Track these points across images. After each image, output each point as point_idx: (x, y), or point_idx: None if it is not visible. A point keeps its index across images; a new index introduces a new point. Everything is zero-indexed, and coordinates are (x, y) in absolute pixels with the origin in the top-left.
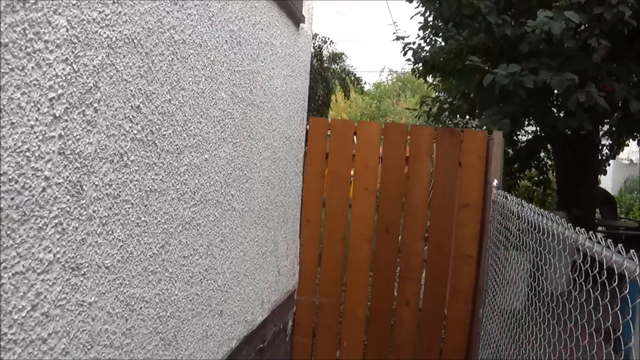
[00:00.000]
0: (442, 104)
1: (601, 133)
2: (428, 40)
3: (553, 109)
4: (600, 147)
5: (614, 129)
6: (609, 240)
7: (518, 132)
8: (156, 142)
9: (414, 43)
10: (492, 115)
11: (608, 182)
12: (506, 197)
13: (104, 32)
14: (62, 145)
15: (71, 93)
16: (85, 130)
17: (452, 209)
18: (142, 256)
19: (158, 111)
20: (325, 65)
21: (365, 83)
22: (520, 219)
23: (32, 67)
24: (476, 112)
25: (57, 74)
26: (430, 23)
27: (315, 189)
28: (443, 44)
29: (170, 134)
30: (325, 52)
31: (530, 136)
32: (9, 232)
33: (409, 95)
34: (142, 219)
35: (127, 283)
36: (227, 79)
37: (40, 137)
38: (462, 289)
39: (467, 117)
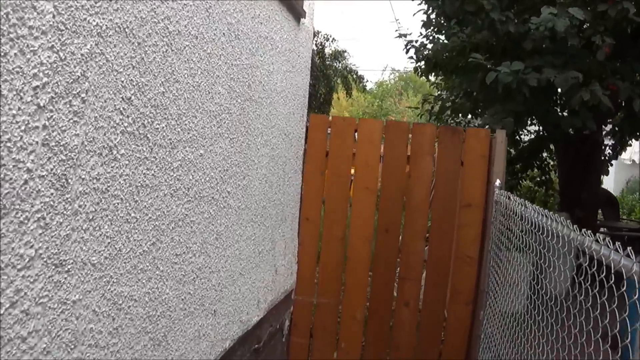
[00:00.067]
0: (445, 102)
1: (604, 133)
2: (431, 38)
3: (556, 108)
4: (602, 147)
5: (617, 128)
6: (618, 244)
7: (521, 132)
8: (148, 135)
9: (416, 41)
10: (495, 114)
11: (610, 182)
12: (509, 198)
13: (93, 20)
14: (47, 137)
15: (57, 82)
16: (71, 121)
17: (454, 209)
18: (132, 253)
19: (151, 104)
20: (327, 63)
21: (367, 81)
22: (523, 219)
23: (15, 54)
24: (479, 110)
25: (42, 61)
26: (433, 21)
27: (315, 187)
28: (446, 41)
29: (163, 127)
30: (327, 50)
31: (532, 136)
32: None
33: (411, 94)
34: (132, 215)
35: (115, 281)
36: (225, 72)
37: (23, 127)
38: (463, 291)
39: (470, 115)
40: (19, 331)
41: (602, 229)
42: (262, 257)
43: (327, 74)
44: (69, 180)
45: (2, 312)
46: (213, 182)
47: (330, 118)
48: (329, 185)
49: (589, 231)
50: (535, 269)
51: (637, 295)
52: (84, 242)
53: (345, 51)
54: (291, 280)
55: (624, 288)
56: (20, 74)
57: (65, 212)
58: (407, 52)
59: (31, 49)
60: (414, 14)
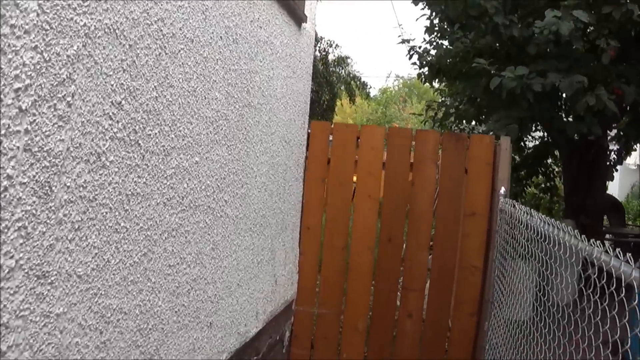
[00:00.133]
0: (448, 108)
1: (609, 138)
2: (434, 44)
3: (561, 113)
4: (607, 152)
5: (622, 133)
6: (628, 255)
7: (525, 138)
8: (140, 142)
9: (419, 47)
10: (499, 120)
11: (615, 188)
12: (514, 206)
13: (81, 20)
14: (29, 142)
15: (40, 84)
16: (56, 125)
17: (458, 217)
18: (121, 264)
19: (142, 109)
20: (331, 69)
21: (370, 88)
22: (529, 228)
23: None
24: (483, 116)
25: (25, 62)
26: (436, 26)
27: (317, 195)
28: (449, 47)
29: (156, 134)
30: (330, 57)
31: (537, 142)
32: None
33: (415, 101)
34: (122, 224)
35: (103, 293)
36: (222, 77)
37: (3, 132)
38: (467, 301)
39: (474, 122)
40: None
41: (607, 235)
42: (261, 267)
43: (330, 81)
44: (53, 188)
45: None
46: (209, 190)
47: (332, 125)
48: (331, 193)
49: (598, 241)
50: (540, 278)
51: (636, 301)
52: (69, 253)
53: (349, 57)
54: (292, 290)
55: (636, 302)
56: (1, 75)
57: (48, 221)
58: (410, 57)
59: (13, 48)
60: (417, 19)
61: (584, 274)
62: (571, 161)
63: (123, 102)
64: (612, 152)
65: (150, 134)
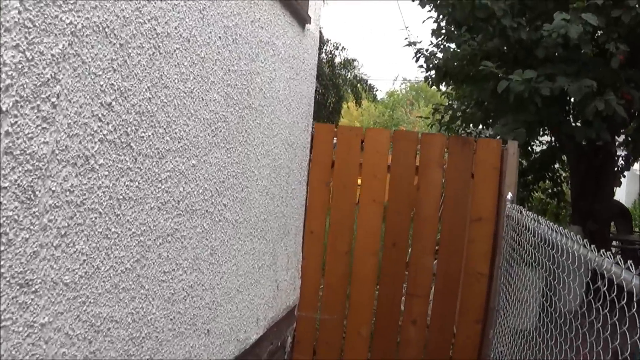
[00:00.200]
0: (455, 112)
1: (616, 143)
2: (441, 47)
3: (568, 118)
4: (615, 158)
5: (630, 139)
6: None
7: (532, 142)
8: (132, 144)
9: (426, 50)
10: (507, 124)
11: (622, 194)
12: (521, 212)
13: (67, 18)
14: (10, 144)
15: (22, 84)
16: (40, 127)
17: (464, 223)
18: (112, 271)
19: (135, 110)
20: (337, 71)
21: (377, 90)
22: (536, 235)
23: None
24: (490, 120)
25: (5, 61)
26: (443, 28)
27: (320, 198)
28: (456, 49)
29: (149, 136)
30: (337, 59)
31: (544, 146)
32: None
33: (422, 104)
34: (113, 230)
35: (92, 301)
36: (221, 78)
37: None
38: (473, 308)
39: (481, 125)
40: None
41: (614, 243)
42: (263, 272)
43: (337, 83)
44: (37, 193)
45: None
46: (207, 194)
47: (336, 127)
48: (335, 197)
49: (608, 252)
50: (546, 287)
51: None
52: (54, 260)
53: (355, 60)
54: (294, 295)
55: (635, 309)
56: None
57: (31, 227)
58: (416, 60)
59: None
60: (424, 21)
61: (593, 285)
62: (579, 166)
63: (113, 103)
64: (620, 158)
65: (143, 136)
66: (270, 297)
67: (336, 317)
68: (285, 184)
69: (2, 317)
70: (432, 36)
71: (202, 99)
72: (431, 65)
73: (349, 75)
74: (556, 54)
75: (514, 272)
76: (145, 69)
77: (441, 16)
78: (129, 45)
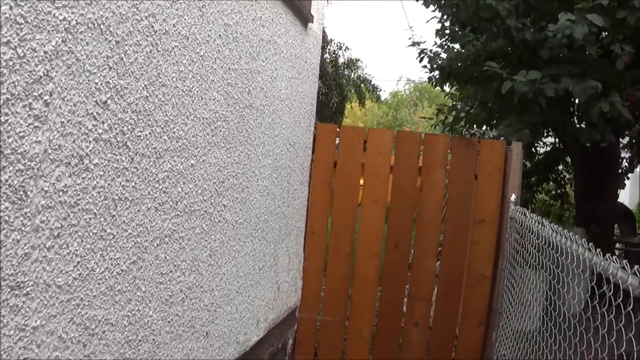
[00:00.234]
0: (459, 112)
1: (621, 145)
2: (445, 47)
3: (573, 119)
4: (619, 160)
5: (634, 141)
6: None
7: (536, 144)
8: (128, 144)
9: (430, 50)
10: (511, 125)
11: (625, 196)
12: (525, 214)
13: (60, 14)
14: (1, 143)
15: (14, 82)
16: (31, 126)
17: (467, 224)
18: (107, 273)
19: (131, 109)
20: (340, 71)
21: (380, 90)
22: (540, 238)
23: None
24: (494, 121)
25: None
26: (447, 28)
27: (322, 199)
28: (460, 50)
29: (146, 135)
30: (340, 59)
31: (548, 148)
32: None
33: (426, 105)
34: (108, 231)
35: (87, 304)
36: (221, 77)
37: None
38: (475, 311)
39: (485, 126)
40: None
41: (618, 245)
42: (263, 273)
43: (340, 83)
44: (28, 193)
45: None
46: (206, 194)
47: (338, 128)
48: (337, 198)
49: (614, 256)
50: (549, 289)
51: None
52: (47, 262)
53: (359, 60)
54: (295, 297)
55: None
56: None
57: (23, 228)
58: (420, 60)
59: None
60: (428, 21)
61: (598, 290)
62: (583, 168)
63: (109, 101)
64: (624, 160)
65: (140, 136)
66: (271, 299)
67: (338, 318)
68: (287, 185)
69: None
70: (436, 36)
71: (202, 98)
72: (435, 66)
73: (353, 75)
74: (561, 55)
75: (517, 274)
76: (142, 67)
77: (445, 16)
78: (126, 43)
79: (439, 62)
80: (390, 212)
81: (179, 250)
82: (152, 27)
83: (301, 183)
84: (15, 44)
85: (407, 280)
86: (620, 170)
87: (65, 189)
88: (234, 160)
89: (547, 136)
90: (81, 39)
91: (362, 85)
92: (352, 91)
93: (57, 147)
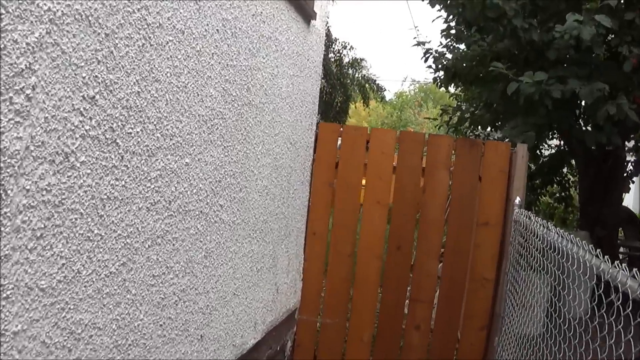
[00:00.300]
0: (464, 113)
1: (626, 149)
2: (450, 47)
3: (578, 121)
4: (625, 163)
5: (639, 144)
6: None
7: (541, 146)
8: (118, 141)
9: (436, 50)
10: (516, 127)
11: (630, 200)
12: (529, 218)
13: (44, 4)
14: None
15: None
16: (12, 121)
17: (470, 226)
18: (95, 276)
19: (121, 105)
20: (345, 71)
21: (385, 90)
22: (545, 242)
23: None
24: (499, 123)
25: None
26: (453, 29)
27: (323, 199)
28: (466, 50)
29: (138, 132)
30: (345, 59)
31: (553, 150)
32: None
33: (431, 105)
34: (96, 231)
35: (72, 307)
36: (218, 73)
37: None
38: (477, 314)
39: (489, 128)
40: None
41: (622, 249)
42: (261, 275)
43: (344, 83)
44: (8, 192)
45: None
46: (202, 194)
47: (340, 127)
48: (338, 199)
49: (624, 265)
50: (553, 294)
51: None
52: (29, 264)
53: (364, 59)
54: (295, 298)
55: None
56: None
57: (2, 228)
58: (425, 60)
59: None
60: (433, 21)
61: (606, 299)
62: (587, 171)
63: (97, 96)
64: (629, 164)
65: (130, 133)
66: (269, 301)
67: (338, 320)
68: (287, 184)
69: None
70: (441, 36)
71: (197, 95)
72: (440, 66)
73: (357, 75)
74: (568, 56)
75: (521, 278)
76: (134, 61)
77: (451, 16)
78: (116, 36)
79: (444, 63)
80: (392, 213)
81: (172, 251)
82: (145, 19)
83: (302, 183)
84: None
85: (409, 282)
86: (625, 174)
87: (48, 188)
88: (232, 159)
89: (552, 138)
90: (67, 31)
91: (366, 85)
92: (357, 91)
93: (40, 143)
